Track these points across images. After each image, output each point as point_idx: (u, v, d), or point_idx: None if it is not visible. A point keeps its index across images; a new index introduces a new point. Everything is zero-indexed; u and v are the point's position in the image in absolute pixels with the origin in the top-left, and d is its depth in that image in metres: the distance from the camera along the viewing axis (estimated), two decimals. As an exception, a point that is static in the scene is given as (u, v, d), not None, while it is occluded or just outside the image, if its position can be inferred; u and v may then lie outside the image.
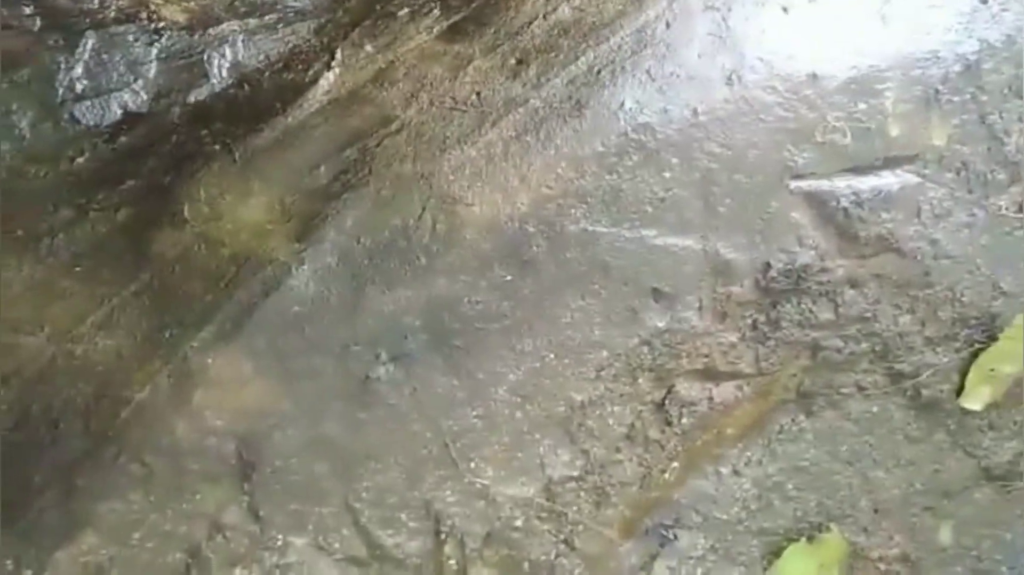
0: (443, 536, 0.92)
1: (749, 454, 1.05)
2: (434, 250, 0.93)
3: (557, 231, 0.95)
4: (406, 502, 0.91)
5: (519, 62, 0.98)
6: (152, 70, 0.89)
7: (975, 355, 1.24)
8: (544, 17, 1.01)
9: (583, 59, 0.99)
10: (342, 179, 0.94)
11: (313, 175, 0.93)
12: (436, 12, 0.99)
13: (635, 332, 0.98)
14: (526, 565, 0.95)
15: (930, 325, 1.26)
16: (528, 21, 1.01)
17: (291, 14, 0.92)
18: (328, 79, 0.94)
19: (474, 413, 0.94)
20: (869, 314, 1.19)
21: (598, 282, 0.96)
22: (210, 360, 0.88)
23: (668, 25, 1.04)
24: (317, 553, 0.88)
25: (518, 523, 0.95)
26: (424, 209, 0.94)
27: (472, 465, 0.94)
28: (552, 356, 0.96)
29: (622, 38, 1.02)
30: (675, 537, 1.01)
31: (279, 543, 0.87)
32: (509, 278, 0.93)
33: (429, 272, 0.93)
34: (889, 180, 1.18)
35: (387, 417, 0.92)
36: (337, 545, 0.89)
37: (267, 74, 0.93)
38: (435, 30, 0.98)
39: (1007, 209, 1.34)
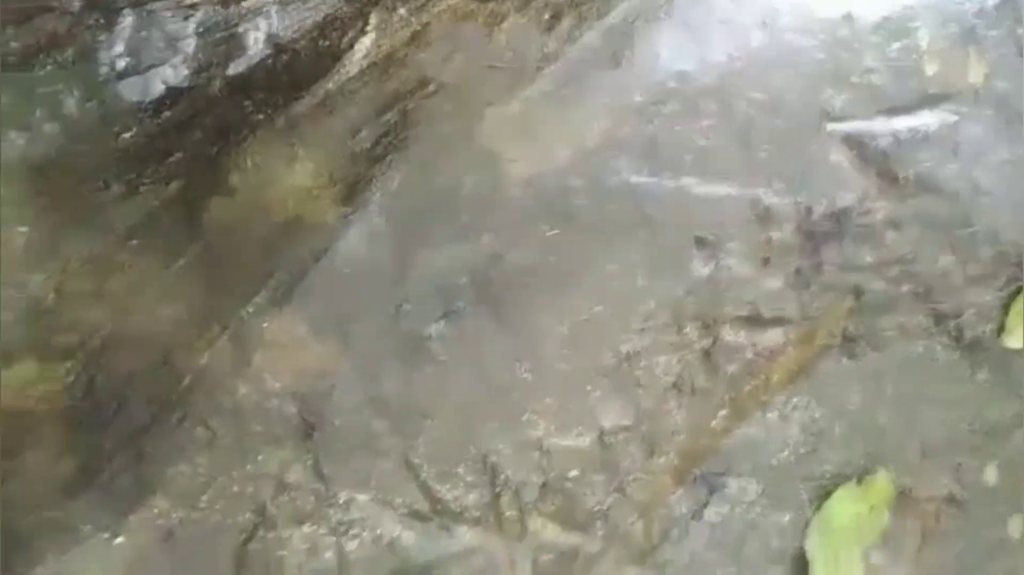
0: (499, 489, 0.93)
1: (795, 400, 1.05)
2: (478, 208, 0.94)
3: (598, 184, 0.95)
4: (463, 456, 0.92)
5: (553, 17, 0.97)
6: (191, 45, 0.90)
7: (1016, 293, 1.23)
8: (576, -22, 1.00)
9: (616, 11, 0.99)
10: (384, 142, 0.94)
11: (356, 139, 0.93)
12: (468, -32, 0.99)
13: (679, 281, 0.98)
14: (581, 514, 0.96)
15: (971, 264, 1.24)
16: (561, -27, 1.00)
17: (322, -19, 0.92)
18: (364, 44, 0.94)
19: (524, 367, 0.95)
20: (910, 255, 1.18)
21: (641, 233, 0.96)
22: (266, 324, 0.89)
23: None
24: (380, 508, 0.90)
25: (572, 474, 0.96)
26: (466, 168, 0.94)
27: (525, 418, 0.95)
28: (598, 308, 0.97)
29: (652, -5, 1.01)
30: (724, 485, 1.01)
31: (343, 500, 0.89)
32: (553, 232, 0.94)
33: (474, 230, 0.94)
34: (927, 120, 1.16)
35: (441, 374, 0.93)
36: (399, 500, 0.90)
37: (303, 43, 0.93)
38: (470, -12, 0.97)
39: (1047, 145, 1.31)
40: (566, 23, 0.97)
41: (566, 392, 0.96)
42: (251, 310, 0.89)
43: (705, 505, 1.00)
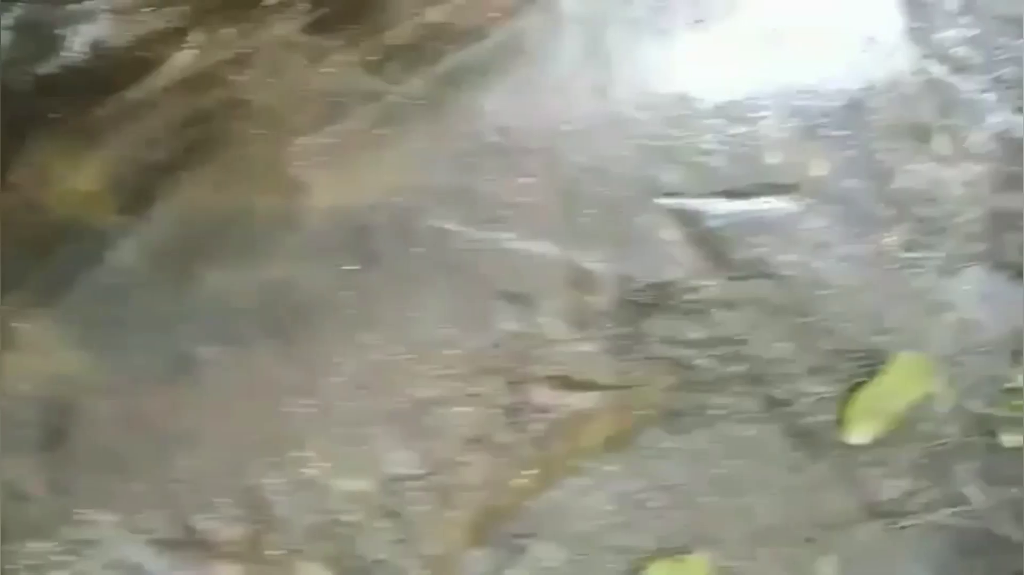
0: (264, 525, 0.88)
1: (610, 468, 1.03)
2: (273, 235, 0.92)
3: (406, 226, 0.94)
4: (228, 487, 0.88)
5: (382, 59, 0.98)
6: (3, 38, 0.89)
7: (855, 388, 1.23)
8: (414, 18, 1.02)
9: (448, 61, 1.00)
10: (184, 156, 0.93)
11: (153, 149, 0.92)
12: (305, 4, 1.00)
13: (486, 334, 0.97)
14: (357, 561, 0.91)
15: (808, 354, 1.24)
16: (397, 20, 1.02)
17: (156, -4, 0.93)
18: (182, 58, 0.94)
19: (307, 402, 0.92)
20: (742, 337, 1.17)
21: (447, 280, 0.95)
22: (25, 325, 0.86)
23: (540, 36, 1.05)
24: (125, 532, 0.85)
25: (351, 518, 0.92)
26: (266, 192, 0.93)
27: (302, 455, 0.91)
28: (394, 351, 0.94)
29: (491, 44, 1.03)
30: (526, 548, 0.98)
31: (83, 518, 0.84)
32: (351, 269, 0.92)
33: (267, 256, 0.92)
34: (765, 206, 1.18)
35: (212, 400, 0.89)
36: (148, 525, 0.85)
37: (122, 51, 0.93)
38: (300, 21, 0.98)
39: (892, 246, 1.34)
40: (394, 67, 0.98)
41: (351, 433, 0.93)
42: (8, 307, 0.85)
43: (504, 567, 0.96)
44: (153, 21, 0.94)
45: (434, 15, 1.03)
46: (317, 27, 0.99)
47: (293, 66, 0.95)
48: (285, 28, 0.96)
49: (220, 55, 0.94)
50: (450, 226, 0.95)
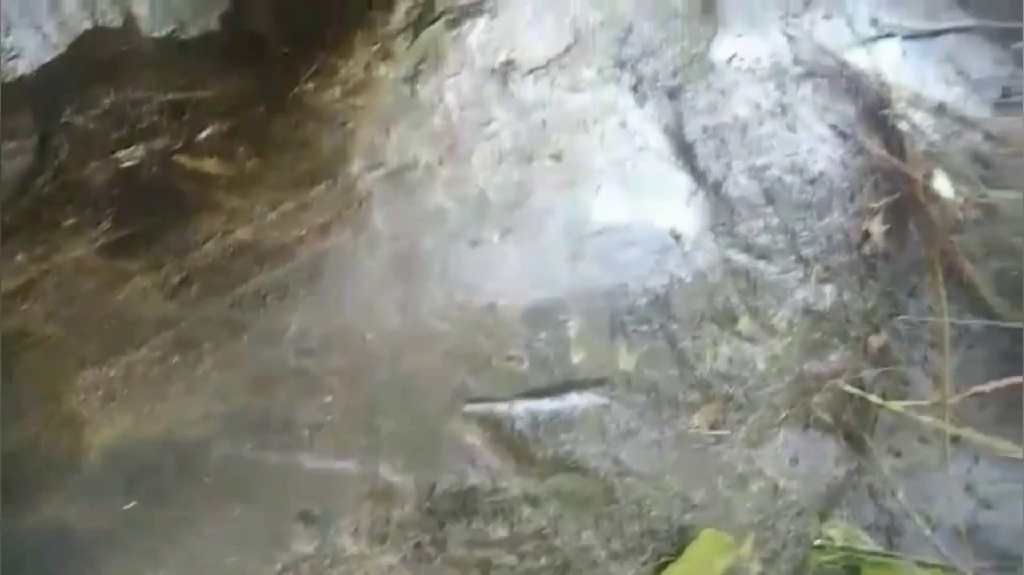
0: None
1: None
2: (52, 474, 0.88)
3: (194, 457, 0.92)
4: None
5: (183, 281, 0.98)
6: None
7: (662, 568, 1.27)
8: (221, 237, 1.03)
9: (252, 282, 1.01)
10: (-45, 394, 0.89)
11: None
12: (106, 225, 0.99)
13: (277, 557, 0.95)
14: None
15: (615, 539, 1.28)
16: (203, 240, 1.02)
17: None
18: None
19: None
20: (548, 530, 1.20)
21: (238, 508, 0.93)
22: None
23: (349, 254, 1.08)
24: None
25: None
26: (47, 429, 0.89)
27: None
28: (178, 586, 0.92)
29: (298, 264, 1.04)
30: None
31: None
32: (133, 506, 0.89)
33: (45, 496, 0.88)
34: (571, 403, 1.22)
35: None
36: None
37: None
38: (100, 243, 0.97)
39: (699, 427, 1.41)
40: (194, 289, 0.97)
41: None
42: None
43: None
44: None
45: (243, 234, 1.03)
46: (117, 249, 0.98)
47: (86, 292, 0.93)
48: (83, 250, 0.94)
49: (9, 283, 0.92)
50: (244, 453, 0.95)
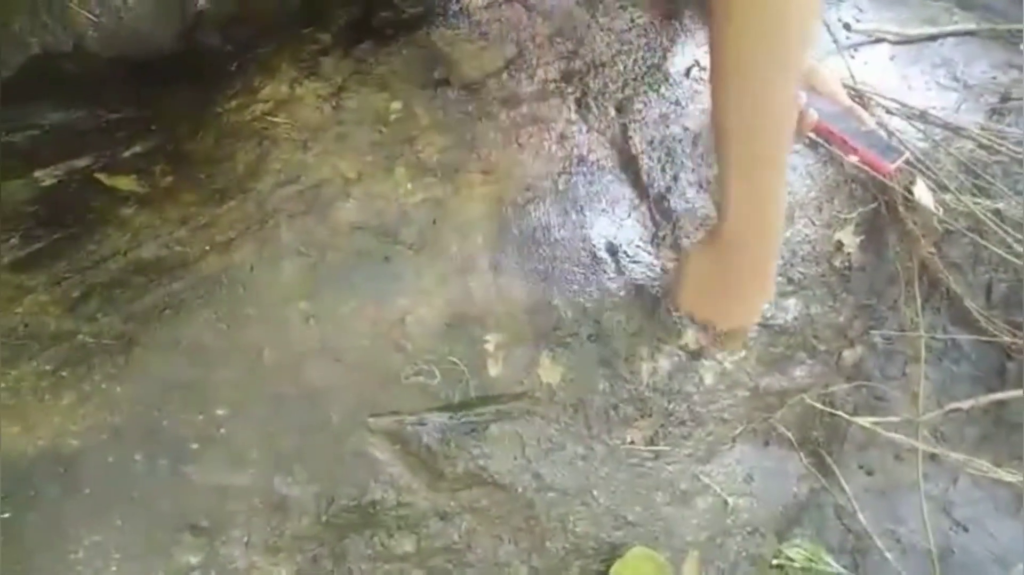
0: None
1: None
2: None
3: (77, 468, 0.94)
4: None
5: (82, 296, 1.00)
6: None
7: (591, 583, 1.25)
8: (125, 254, 1.05)
9: (150, 297, 1.03)
10: None
11: None
12: (14, 241, 1.02)
13: (160, 568, 0.96)
14: None
15: (536, 556, 1.27)
16: (106, 256, 1.04)
17: None
18: None
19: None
20: (461, 545, 1.19)
21: (120, 517, 0.95)
22: None
23: (252, 268, 1.08)
24: None
25: None
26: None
27: None
28: (54, 596, 0.93)
29: (197, 279, 1.05)
30: None
31: None
32: (4, 516, 0.90)
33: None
34: (486, 418, 1.21)
35: None
36: None
37: None
38: (7, 258, 1.00)
39: (634, 442, 1.39)
40: (92, 304, 1.00)
41: None
42: None
43: None
44: None
45: (148, 250, 1.05)
46: (23, 264, 1.01)
47: (-17, 308, 0.96)
48: (-16, 269, 0.98)
49: (-95, 299, 0.96)
50: (130, 465, 0.96)
